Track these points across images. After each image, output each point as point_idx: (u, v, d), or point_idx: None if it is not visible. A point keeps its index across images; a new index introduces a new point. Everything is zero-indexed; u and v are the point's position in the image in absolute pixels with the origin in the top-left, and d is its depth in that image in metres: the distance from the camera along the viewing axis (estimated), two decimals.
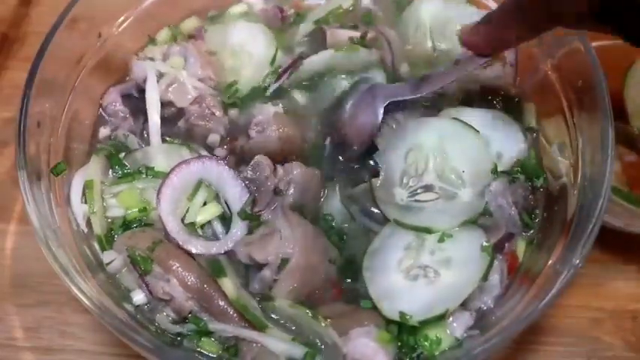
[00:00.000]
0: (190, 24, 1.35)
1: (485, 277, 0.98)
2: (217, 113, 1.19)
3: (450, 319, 0.98)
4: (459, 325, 0.98)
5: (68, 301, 1.16)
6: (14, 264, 1.24)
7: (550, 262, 0.97)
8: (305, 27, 1.33)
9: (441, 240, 1.03)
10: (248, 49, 1.28)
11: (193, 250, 1.04)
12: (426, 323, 0.96)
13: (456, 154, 1.09)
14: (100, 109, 1.23)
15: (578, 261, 0.90)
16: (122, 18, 1.25)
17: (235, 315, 0.99)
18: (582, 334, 1.16)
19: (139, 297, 1.02)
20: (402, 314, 0.96)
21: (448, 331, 0.98)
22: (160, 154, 1.15)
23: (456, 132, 1.10)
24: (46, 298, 1.19)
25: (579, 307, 1.18)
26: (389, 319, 0.98)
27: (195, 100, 1.19)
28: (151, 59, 1.24)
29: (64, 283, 0.90)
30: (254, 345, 0.97)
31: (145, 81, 1.20)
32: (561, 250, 0.96)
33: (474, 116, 1.14)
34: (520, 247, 1.08)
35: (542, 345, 1.16)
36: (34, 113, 1.02)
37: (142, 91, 1.20)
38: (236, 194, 1.08)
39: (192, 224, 1.07)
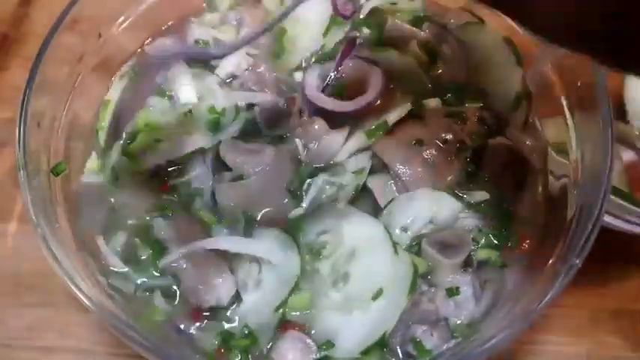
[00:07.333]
0: None
1: (412, 290, 0.98)
2: (269, 79, 1.23)
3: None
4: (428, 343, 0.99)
5: (68, 301, 1.16)
6: (14, 264, 1.24)
7: (550, 262, 0.97)
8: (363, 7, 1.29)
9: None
10: (303, 17, 1.28)
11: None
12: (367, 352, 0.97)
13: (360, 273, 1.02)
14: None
15: (578, 261, 0.90)
16: (122, 18, 1.25)
17: None
18: (582, 334, 1.17)
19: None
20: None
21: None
22: (187, 74, 1.19)
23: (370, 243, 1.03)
24: (46, 298, 1.19)
25: (579, 307, 1.19)
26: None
27: (250, 67, 1.24)
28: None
29: (64, 283, 0.90)
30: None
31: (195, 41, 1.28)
32: (561, 250, 0.96)
33: None
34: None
35: (542, 345, 1.16)
36: (34, 113, 1.02)
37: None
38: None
39: None
